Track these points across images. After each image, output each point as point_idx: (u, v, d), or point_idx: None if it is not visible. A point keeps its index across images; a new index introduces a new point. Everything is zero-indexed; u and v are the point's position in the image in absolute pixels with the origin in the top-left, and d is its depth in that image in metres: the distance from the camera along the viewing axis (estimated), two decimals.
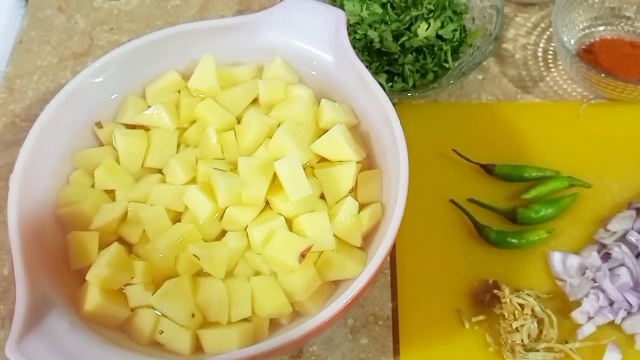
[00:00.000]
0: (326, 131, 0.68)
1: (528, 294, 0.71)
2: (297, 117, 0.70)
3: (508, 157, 0.82)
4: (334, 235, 0.64)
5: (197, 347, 0.61)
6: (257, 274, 0.64)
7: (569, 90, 0.91)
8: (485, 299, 0.72)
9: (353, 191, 0.68)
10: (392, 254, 0.77)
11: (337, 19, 0.72)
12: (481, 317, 0.72)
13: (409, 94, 0.84)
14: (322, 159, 0.69)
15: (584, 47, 0.92)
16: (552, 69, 0.93)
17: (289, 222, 0.65)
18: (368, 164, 0.71)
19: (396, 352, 0.72)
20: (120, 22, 1.01)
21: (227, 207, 0.65)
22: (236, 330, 0.60)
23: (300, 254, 0.61)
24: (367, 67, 0.70)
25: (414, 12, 0.87)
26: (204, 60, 0.73)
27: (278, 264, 0.62)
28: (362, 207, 0.66)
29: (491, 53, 0.85)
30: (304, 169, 0.65)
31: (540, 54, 0.95)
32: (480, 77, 0.92)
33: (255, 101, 0.74)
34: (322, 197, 0.68)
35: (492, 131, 0.86)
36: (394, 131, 0.64)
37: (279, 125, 0.69)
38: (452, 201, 0.79)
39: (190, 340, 0.60)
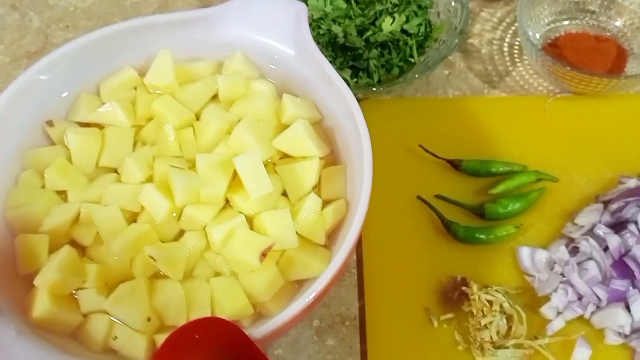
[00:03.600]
0: (288, 127, 0.66)
1: (497, 290, 0.70)
2: (258, 112, 0.68)
3: (475, 152, 0.81)
4: (297, 233, 0.62)
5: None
6: (217, 274, 0.61)
7: (535, 84, 0.90)
8: (453, 296, 0.71)
9: (316, 188, 0.66)
10: (359, 252, 0.75)
11: (298, 12, 0.70)
12: (450, 315, 0.70)
13: (375, 89, 0.82)
14: (285, 155, 0.67)
15: (549, 41, 0.92)
16: (518, 64, 0.92)
17: (249, 221, 0.62)
18: (332, 160, 0.69)
19: (364, 353, 0.70)
20: (76, 20, 0.98)
21: (185, 206, 0.62)
22: None
23: (262, 253, 0.59)
24: (331, 62, 0.68)
25: (379, 7, 0.86)
26: (160, 56, 0.70)
27: (238, 264, 0.60)
28: (326, 203, 0.64)
29: (457, 47, 0.84)
30: (266, 165, 0.63)
31: (506, 49, 0.94)
32: (446, 72, 0.91)
33: (215, 97, 0.71)
34: (285, 194, 0.65)
35: (459, 126, 0.85)
36: (357, 125, 0.63)
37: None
38: (419, 197, 0.78)
39: (146, 345, 0.57)
